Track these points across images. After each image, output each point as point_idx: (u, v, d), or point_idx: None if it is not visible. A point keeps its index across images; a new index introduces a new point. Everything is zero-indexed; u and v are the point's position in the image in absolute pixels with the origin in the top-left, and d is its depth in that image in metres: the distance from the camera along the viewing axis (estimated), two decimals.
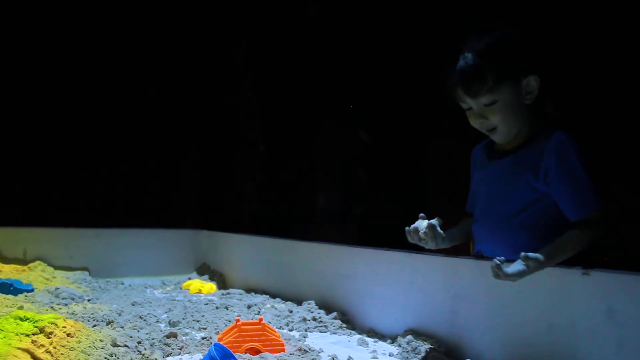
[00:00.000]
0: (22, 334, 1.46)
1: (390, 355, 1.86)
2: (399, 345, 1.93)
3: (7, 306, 2.14)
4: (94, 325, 2.01)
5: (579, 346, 1.50)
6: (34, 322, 1.56)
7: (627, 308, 1.40)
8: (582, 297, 1.46)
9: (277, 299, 2.71)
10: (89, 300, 2.59)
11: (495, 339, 1.75)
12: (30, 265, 3.17)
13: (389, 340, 2.05)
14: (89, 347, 1.54)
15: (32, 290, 2.66)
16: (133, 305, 2.56)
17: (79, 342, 1.55)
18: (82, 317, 2.12)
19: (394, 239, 2.36)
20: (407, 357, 1.83)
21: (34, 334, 1.49)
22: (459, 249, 2.13)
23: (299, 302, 2.57)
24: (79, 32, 3.61)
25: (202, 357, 1.46)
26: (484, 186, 1.89)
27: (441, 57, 1.78)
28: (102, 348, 1.57)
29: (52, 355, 1.44)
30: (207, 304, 2.57)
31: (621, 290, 1.41)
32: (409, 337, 1.94)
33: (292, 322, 2.27)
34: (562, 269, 1.54)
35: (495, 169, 1.84)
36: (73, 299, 2.59)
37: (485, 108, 1.70)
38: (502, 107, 1.69)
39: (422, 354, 1.84)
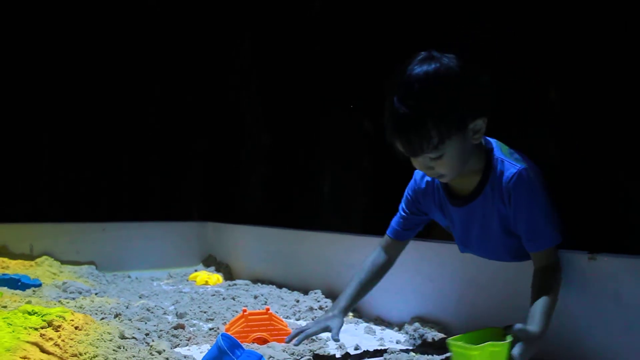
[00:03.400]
0: (30, 327, 1.47)
1: (397, 343, 1.87)
2: (406, 333, 1.94)
3: (15, 301, 2.15)
4: (102, 318, 2.02)
5: (586, 330, 1.50)
6: (42, 316, 1.57)
7: (634, 291, 1.40)
8: (589, 281, 1.46)
9: (284, 289, 2.72)
10: (96, 294, 2.60)
11: (501, 324, 1.75)
12: (37, 260, 3.18)
13: (396, 328, 2.06)
14: (97, 339, 1.55)
15: (40, 285, 2.67)
16: (140, 297, 2.57)
17: (87, 334, 1.56)
18: (90, 311, 2.13)
19: None
20: (413, 344, 1.84)
21: (42, 328, 1.49)
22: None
23: (305, 292, 2.57)
24: (85, 28, 3.60)
25: (209, 348, 1.46)
26: (456, 229, 1.71)
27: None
28: (110, 340, 1.57)
29: (60, 348, 1.45)
30: (213, 295, 2.58)
31: (628, 274, 1.41)
32: (416, 324, 1.95)
33: (299, 311, 2.28)
34: (568, 254, 1.54)
35: (460, 215, 1.65)
36: (80, 293, 2.60)
37: (430, 161, 1.45)
38: (449, 158, 1.44)
39: (429, 341, 1.84)
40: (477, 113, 1.43)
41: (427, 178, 1.70)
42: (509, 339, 1.32)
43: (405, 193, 1.79)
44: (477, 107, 1.44)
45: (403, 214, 1.80)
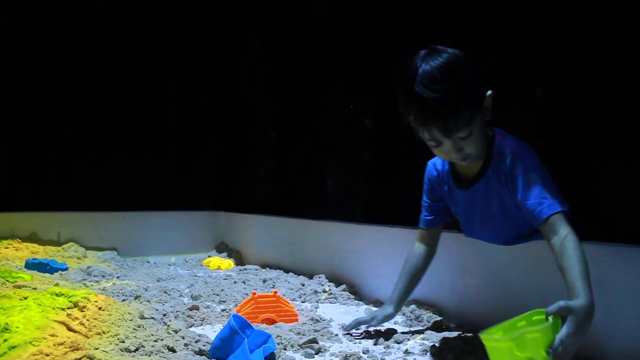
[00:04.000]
0: (58, 307, 1.48)
1: (395, 323, 1.87)
2: (403, 314, 1.94)
3: (44, 283, 2.16)
4: (123, 300, 2.03)
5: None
6: (68, 297, 1.57)
7: (614, 276, 1.40)
8: (616, 271, 1.45)
9: (290, 274, 2.72)
10: (118, 277, 2.61)
11: (491, 307, 1.75)
12: (64, 246, 3.19)
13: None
14: (119, 319, 1.56)
15: (67, 268, 2.68)
16: (158, 281, 2.58)
17: (110, 315, 1.57)
18: (112, 293, 2.14)
19: (397, 217, 2.36)
20: (410, 325, 1.84)
21: (69, 308, 1.50)
22: (457, 223, 2.13)
23: (310, 276, 2.58)
24: (105, 25, 3.61)
25: (222, 327, 1.47)
26: (461, 212, 1.69)
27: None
28: (131, 320, 1.58)
29: (85, 327, 1.46)
30: (225, 279, 2.59)
31: (609, 260, 1.41)
32: (413, 306, 1.95)
33: (305, 294, 2.28)
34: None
35: (465, 198, 1.63)
36: (103, 276, 2.61)
37: (461, 141, 1.44)
38: (477, 135, 1.45)
39: (425, 322, 1.84)
40: (485, 90, 1.46)
41: (438, 166, 1.70)
42: (551, 320, 1.12)
43: (424, 183, 1.77)
44: (484, 85, 1.47)
45: (424, 203, 1.77)
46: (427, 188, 1.76)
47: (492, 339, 1.15)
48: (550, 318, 1.13)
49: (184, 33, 3.88)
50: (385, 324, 1.78)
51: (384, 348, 1.57)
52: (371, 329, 1.75)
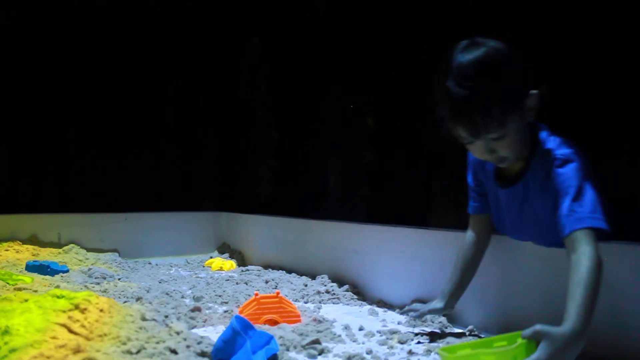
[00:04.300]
0: (59, 310, 1.48)
1: (398, 324, 1.87)
2: (407, 314, 1.93)
3: (45, 286, 2.16)
4: (125, 302, 2.03)
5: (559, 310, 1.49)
6: (69, 300, 1.57)
7: (620, 276, 1.39)
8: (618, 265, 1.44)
9: (293, 274, 2.72)
10: (119, 279, 2.61)
11: (494, 307, 1.75)
12: (65, 248, 3.20)
13: (397, 310, 2.05)
14: (121, 321, 1.56)
15: (67, 271, 2.68)
16: (160, 282, 2.58)
17: (111, 317, 1.56)
18: (114, 295, 2.14)
19: (400, 216, 2.37)
20: (414, 325, 1.84)
21: (70, 310, 1.50)
22: (460, 222, 2.13)
23: (313, 277, 2.58)
24: (103, 25, 3.61)
25: (224, 329, 1.47)
26: (498, 210, 1.63)
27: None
28: (133, 322, 1.58)
29: (86, 329, 1.46)
30: (228, 280, 2.59)
31: (614, 260, 1.40)
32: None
33: (307, 295, 2.28)
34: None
35: (508, 197, 1.55)
36: (105, 278, 2.61)
37: (493, 142, 1.36)
38: (512, 138, 1.36)
39: (429, 322, 1.84)
40: (528, 89, 1.37)
41: (480, 163, 1.62)
42: (517, 344, 1.08)
43: (468, 168, 1.69)
44: (528, 83, 1.37)
45: (471, 189, 1.70)
46: (471, 173, 1.69)
47: (448, 355, 1.16)
48: (519, 341, 1.09)
49: (183, 33, 3.89)
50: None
51: (388, 348, 1.57)
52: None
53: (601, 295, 1.20)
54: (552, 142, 1.43)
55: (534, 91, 1.37)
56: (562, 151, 1.39)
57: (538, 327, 1.09)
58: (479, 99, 1.30)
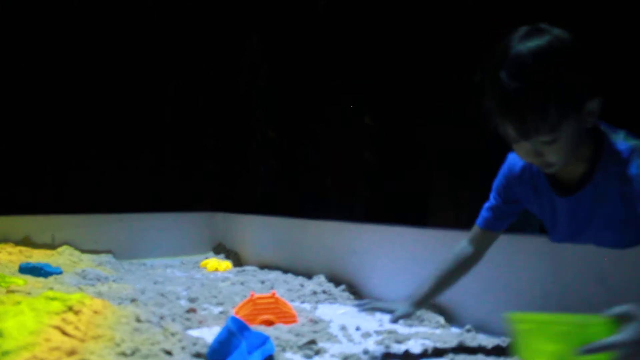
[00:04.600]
0: (52, 312, 1.47)
1: (395, 323, 1.86)
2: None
3: (38, 288, 2.15)
4: (119, 303, 2.02)
5: (572, 312, 1.49)
6: (63, 302, 1.57)
7: (617, 274, 1.39)
8: (574, 264, 1.45)
9: (289, 274, 2.72)
10: (113, 281, 2.60)
11: (492, 307, 1.75)
12: (59, 249, 3.19)
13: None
14: (115, 323, 1.55)
15: (61, 272, 2.67)
16: (155, 284, 2.57)
17: (106, 318, 1.56)
18: (108, 296, 2.14)
19: (396, 215, 2.37)
20: (410, 325, 1.83)
21: (63, 312, 1.50)
22: (458, 221, 2.13)
23: (309, 277, 2.57)
24: (100, 25, 3.61)
25: (219, 330, 1.47)
26: (558, 220, 1.44)
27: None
28: (127, 324, 1.57)
29: (80, 331, 1.45)
30: (223, 280, 2.58)
31: (611, 258, 1.41)
32: None
33: (304, 295, 2.28)
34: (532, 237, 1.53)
35: (565, 205, 1.38)
36: (99, 279, 2.61)
37: (542, 146, 1.20)
38: (563, 143, 1.20)
39: (426, 321, 1.84)
40: (593, 92, 1.20)
41: (522, 162, 1.42)
42: (597, 320, 1.00)
43: (498, 179, 1.51)
44: (593, 85, 1.21)
45: (494, 202, 1.51)
46: (502, 185, 1.49)
47: (522, 319, 1.09)
48: (599, 319, 1.01)
49: (182, 32, 3.88)
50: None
51: (384, 348, 1.56)
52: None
53: None
54: (619, 138, 1.29)
55: (599, 98, 1.20)
56: (632, 143, 1.27)
57: (629, 307, 0.99)
58: (535, 95, 1.15)
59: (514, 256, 1.69)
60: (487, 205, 1.53)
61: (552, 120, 1.16)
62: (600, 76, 1.22)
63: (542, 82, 1.14)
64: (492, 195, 1.53)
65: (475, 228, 1.55)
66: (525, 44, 1.17)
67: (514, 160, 1.46)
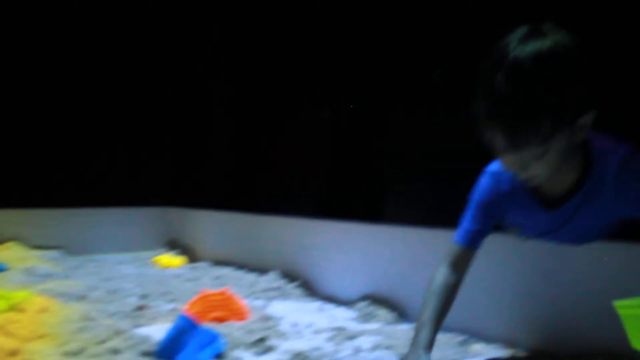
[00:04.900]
0: None
1: (348, 320, 1.88)
2: (356, 310, 1.95)
3: None
4: (67, 301, 1.98)
5: (518, 305, 1.53)
6: (7, 300, 1.53)
7: (560, 270, 1.43)
8: (522, 262, 1.49)
9: (243, 270, 2.71)
10: (62, 278, 2.54)
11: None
12: (5, 245, 3.10)
13: (347, 306, 2.07)
14: (61, 321, 1.52)
15: (7, 269, 2.60)
16: (105, 280, 2.53)
17: (52, 317, 1.53)
18: (56, 294, 2.09)
19: (352, 211, 2.38)
20: (363, 321, 1.85)
21: (6, 311, 1.46)
22: (412, 218, 2.16)
23: (263, 273, 2.57)
24: (53, 15, 3.51)
25: (170, 327, 1.45)
26: (543, 230, 1.39)
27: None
28: (74, 322, 1.55)
29: (25, 330, 1.42)
30: (176, 277, 2.56)
31: (554, 255, 1.45)
32: (365, 302, 1.97)
33: (257, 291, 2.27)
34: (501, 237, 1.56)
35: (555, 218, 1.33)
36: (47, 276, 2.54)
37: (530, 158, 1.13)
38: (552, 157, 1.13)
39: (378, 317, 1.86)
40: (589, 105, 1.12)
41: (505, 181, 1.36)
42: None
43: (482, 194, 1.41)
44: (591, 97, 1.12)
45: (479, 218, 1.41)
46: (489, 201, 1.39)
47: (628, 305, 1.04)
48: None
49: (138, 22, 3.80)
50: None
51: (335, 345, 1.57)
52: None
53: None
54: (607, 144, 1.24)
55: (593, 111, 1.12)
56: (620, 149, 1.22)
57: None
58: (529, 105, 1.07)
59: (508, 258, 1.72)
60: (468, 222, 1.42)
61: (544, 133, 1.08)
62: (598, 87, 1.14)
63: (539, 92, 1.06)
64: (474, 212, 1.42)
65: (456, 248, 1.43)
66: (524, 48, 1.08)
67: (499, 174, 1.37)
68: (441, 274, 1.42)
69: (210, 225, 3.32)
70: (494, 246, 1.61)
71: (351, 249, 2.17)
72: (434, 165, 2.20)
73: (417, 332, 1.36)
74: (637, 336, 1.05)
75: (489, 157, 1.45)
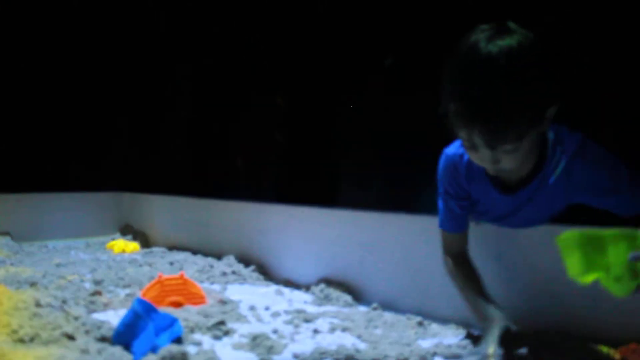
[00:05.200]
0: None
1: (305, 303, 1.89)
2: (313, 294, 1.97)
3: None
4: (17, 288, 1.93)
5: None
6: None
7: (512, 253, 1.48)
8: (475, 244, 1.52)
9: (199, 255, 2.69)
10: (11, 264, 2.48)
11: (398, 284, 1.81)
12: None
13: (304, 289, 2.08)
14: (12, 308, 1.48)
15: None
16: (57, 266, 2.47)
17: (1, 304, 1.49)
18: (4, 281, 2.03)
19: (306, 195, 2.39)
20: (320, 304, 1.87)
21: None
22: (367, 203, 2.18)
23: (219, 257, 2.56)
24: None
25: (126, 312, 1.43)
26: (495, 215, 1.42)
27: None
28: (26, 309, 1.51)
29: None
30: (130, 262, 2.53)
31: (507, 239, 1.49)
32: (322, 285, 1.98)
33: (213, 276, 2.26)
34: None
35: (509, 203, 1.35)
36: None
37: (502, 153, 1.14)
38: (523, 151, 1.15)
39: (334, 300, 1.88)
40: (556, 98, 1.14)
41: (463, 160, 1.37)
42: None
43: (444, 178, 1.41)
44: (558, 91, 1.14)
45: (454, 202, 1.41)
46: (450, 184, 1.40)
47: (565, 236, 1.04)
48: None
49: (92, 6, 3.69)
50: None
51: (294, 327, 1.58)
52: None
53: None
54: (559, 132, 1.27)
55: (557, 104, 1.15)
56: (575, 138, 1.26)
57: None
58: (509, 103, 1.06)
59: (418, 237, 1.74)
60: (444, 208, 1.43)
61: (521, 130, 1.10)
62: (565, 80, 1.18)
63: (516, 91, 1.06)
64: (444, 196, 1.43)
65: (447, 235, 1.45)
66: (495, 43, 1.08)
67: (456, 157, 1.39)
68: (451, 263, 1.43)
69: (165, 210, 3.28)
70: None
71: (306, 233, 2.18)
72: (385, 150, 2.22)
73: (479, 309, 1.29)
74: (572, 263, 1.03)
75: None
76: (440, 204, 1.44)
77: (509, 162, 1.17)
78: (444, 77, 1.17)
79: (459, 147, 1.36)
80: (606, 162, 1.25)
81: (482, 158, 1.18)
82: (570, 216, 1.37)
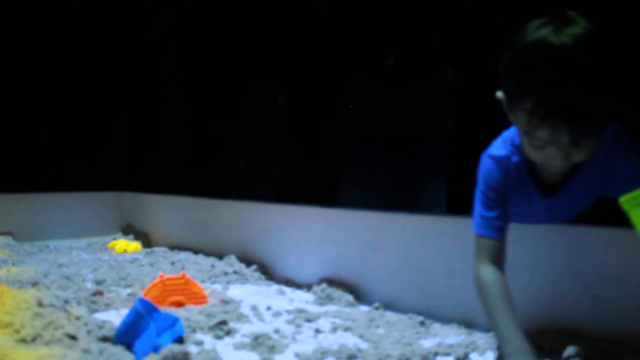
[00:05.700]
0: None
1: (306, 302, 1.89)
2: (315, 293, 1.97)
3: None
4: (19, 288, 1.93)
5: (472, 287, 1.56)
6: None
7: (512, 253, 1.47)
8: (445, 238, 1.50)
9: (200, 255, 2.69)
10: (13, 264, 2.48)
11: (399, 284, 1.80)
12: None
13: (305, 289, 2.08)
14: (14, 308, 1.48)
15: None
16: (59, 266, 2.47)
17: (3, 304, 1.49)
18: (7, 281, 2.03)
19: (308, 195, 2.38)
20: (322, 304, 1.86)
21: None
22: (369, 203, 2.18)
23: (220, 257, 2.56)
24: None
25: (127, 312, 1.43)
26: (535, 212, 1.37)
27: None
28: (28, 309, 1.51)
29: None
30: (132, 262, 2.52)
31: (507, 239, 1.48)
32: (323, 285, 1.98)
33: (215, 275, 2.26)
34: (463, 218, 1.59)
35: (546, 203, 1.32)
36: None
37: (574, 148, 1.10)
38: (593, 144, 1.12)
39: (335, 300, 1.88)
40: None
41: (512, 164, 1.29)
42: None
43: (493, 180, 1.31)
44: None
45: (499, 208, 1.31)
46: (500, 189, 1.31)
47: (629, 196, 1.05)
48: None
49: (89, 5, 3.69)
50: None
51: (295, 327, 1.58)
52: None
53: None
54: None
55: None
56: (609, 128, 1.20)
57: None
58: (594, 97, 1.03)
59: (420, 236, 1.74)
60: (489, 212, 1.31)
61: (603, 122, 1.08)
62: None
63: (596, 82, 1.02)
64: (490, 200, 1.31)
65: (488, 242, 1.30)
66: (567, 35, 1.03)
67: (505, 159, 1.30)
68: (489, 273, 1.27)
69: (167, 210, 3.28)
70: (446, 228, 1.65)
71: (308, 232, 2.18)
72: (388, 149, 2.22)
73: (507, 337, 1.16)
74: None
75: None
76: (479, 207, 1.33)
77: (581, 155, 1.12)
78: (507, 76, 1.12)
79: (503, 149, 1.30)
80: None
81: (553, 156, 1.11)
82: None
